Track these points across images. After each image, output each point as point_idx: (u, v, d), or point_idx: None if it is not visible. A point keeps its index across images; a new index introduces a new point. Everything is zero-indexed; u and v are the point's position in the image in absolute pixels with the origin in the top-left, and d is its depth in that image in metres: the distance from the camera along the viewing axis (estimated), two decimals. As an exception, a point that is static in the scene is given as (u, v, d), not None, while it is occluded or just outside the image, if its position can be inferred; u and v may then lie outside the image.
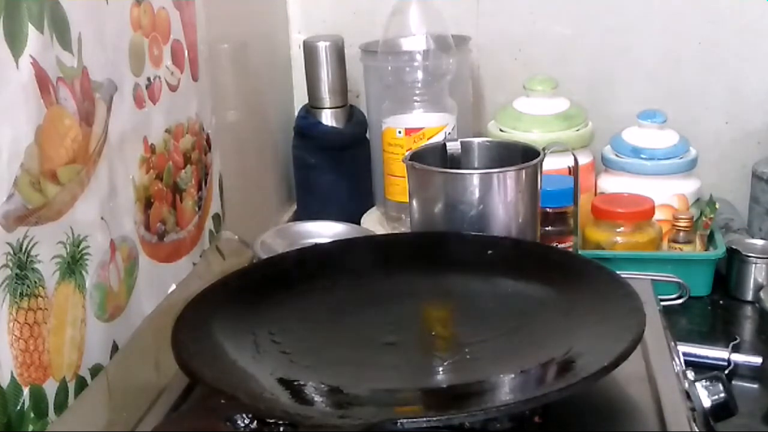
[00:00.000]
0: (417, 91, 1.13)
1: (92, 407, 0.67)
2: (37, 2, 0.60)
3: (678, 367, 0.69)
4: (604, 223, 1.11)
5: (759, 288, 1.05)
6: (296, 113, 1.28)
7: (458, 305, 0.74)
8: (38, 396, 0.61)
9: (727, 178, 1.28)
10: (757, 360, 0.92)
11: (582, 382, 0.57)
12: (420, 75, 1.13)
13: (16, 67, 0.58)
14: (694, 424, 0.62)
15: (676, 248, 1.11)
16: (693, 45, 1.27)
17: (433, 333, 0.74)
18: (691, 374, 0.69)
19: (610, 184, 1.20)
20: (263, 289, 0.74)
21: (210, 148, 0.92)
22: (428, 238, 0.83)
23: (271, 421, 0.55)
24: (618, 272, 0.72)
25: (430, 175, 0.84)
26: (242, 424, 0.54)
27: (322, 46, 1.22)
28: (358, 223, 1.15)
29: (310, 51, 1.23)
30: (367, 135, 1.27)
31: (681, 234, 1.11)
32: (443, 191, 0.83)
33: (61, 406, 0.64)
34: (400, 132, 1.12)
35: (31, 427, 0.60)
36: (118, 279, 0.73)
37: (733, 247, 1.10)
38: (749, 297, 1.08)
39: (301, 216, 1.26)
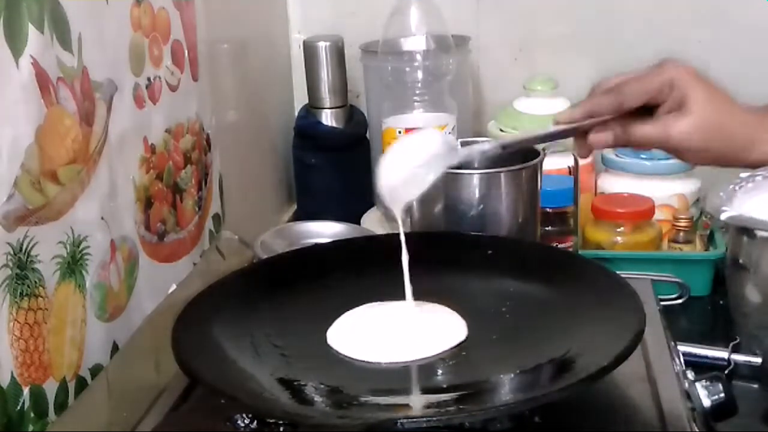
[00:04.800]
0: (417, 91, 1.13)
1: (92, 407, 0.67)
2: (37, 2, 0.60)
3: (678, 367, 0.69)
4: (604, 223, 1.11)
5: (759, 288, 1.05)
6: (296, 113, 1.28)
7: (458, 305, 0.74)
8: (38, 396, 0.61)
9: (728, 178, 1.28)
10: (757, 360, 0.92)
11: (582, 382, 0.57)
12: (420, 75, 1.13)
13: (17, 67, 0.58)
14: (694, 424, 0.62)
15: (676, 248, 1.11)
16: (693, 45, 1.27)
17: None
18: (691, 374, 0.69)
19: (610, 184, 1.20)
20: (263, 289, 0.74)
21: (210, 148, 0.92)
22: (428, 238, 0.83)
23: (271, 421, 0.55)
24: (618, 272, 0.72)
25: (430, 175, 0.83)
26: (242, 424, 0.55)
27: (322, 46, 1.22)
28: (358, 223, 1.15)
29: (310, 51, 1.23)
30: (367, 135, 1.27)
31: (681, 234, 1.11)
32: (443, 191, 0.82)
33: (61, 406, 0.64)
34: (400, 132, 1.12)
35: (31, 427, 0.60)
36: (119, 279, 0.73)
37: (733, 247, 1.10)
38: (749, 297, 1.08)
39: (301, 216, 1.26)
